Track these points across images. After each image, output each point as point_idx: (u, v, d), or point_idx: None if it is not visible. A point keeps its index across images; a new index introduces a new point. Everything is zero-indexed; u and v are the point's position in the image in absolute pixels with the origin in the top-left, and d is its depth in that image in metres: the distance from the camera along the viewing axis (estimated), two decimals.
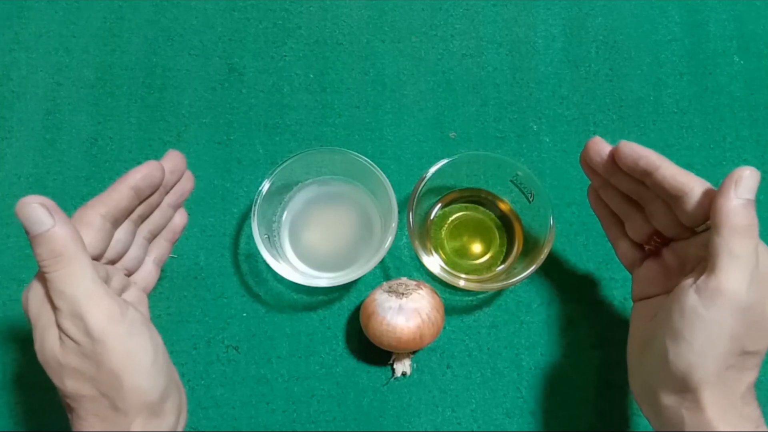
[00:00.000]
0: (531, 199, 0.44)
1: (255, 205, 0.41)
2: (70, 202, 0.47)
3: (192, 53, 0.51)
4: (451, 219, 0.47)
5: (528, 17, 0.53)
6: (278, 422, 0.43)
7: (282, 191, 0.46)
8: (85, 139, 0.48)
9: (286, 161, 0.43)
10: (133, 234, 0.35)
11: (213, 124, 0.49)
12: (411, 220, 0.42)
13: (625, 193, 0.36)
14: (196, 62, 0.50)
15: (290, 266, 0.43)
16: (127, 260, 0.36)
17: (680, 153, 0.50)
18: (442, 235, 0.47)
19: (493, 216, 0.47)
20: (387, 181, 0.42)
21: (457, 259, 0.46)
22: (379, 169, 0.42)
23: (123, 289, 0.35)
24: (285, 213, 0.46)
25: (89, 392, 0.30)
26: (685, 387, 0.30)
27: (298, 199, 0.47)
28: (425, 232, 0.47)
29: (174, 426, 0.33)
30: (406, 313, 0.40)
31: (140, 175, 0.33)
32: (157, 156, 0.36)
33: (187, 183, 0.38)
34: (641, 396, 0.35)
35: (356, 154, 0.43)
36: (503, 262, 0.46)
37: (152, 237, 0.38)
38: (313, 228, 0.46)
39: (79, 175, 0.47)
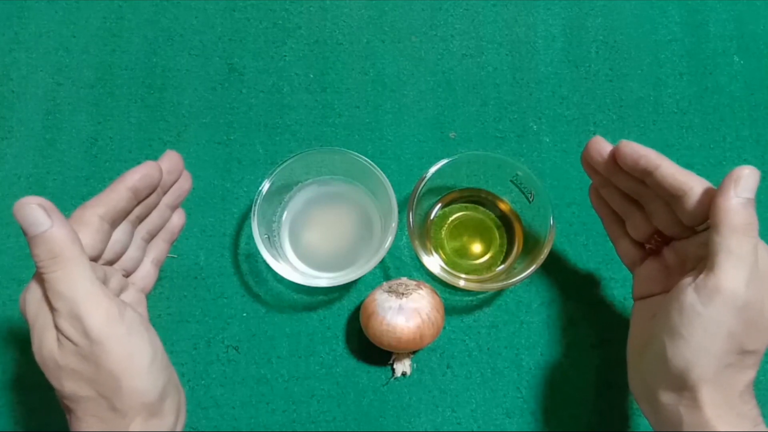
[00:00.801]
0: (531, 199, 0.44)
1: (255, 205, 0.41)
2: (70, 202, 0.47)
3: (192, 53, 0.51)
4: (451, 219, 0.47)
5: (528, 17, 0.53)
6: (278, 422, 0.43)
7: (282, 191, 0.46)
8: (85, 139, 0.48)
9: (286, 161, 0.43)
10: (131, 235, 0.35)
11: (213, 124, 0.49)
12: (411, 220, 0.42)
13: (625, 192, 0.36)
14: (196, 62, 0.50)
15: (290, 266, 0.43)
16: (126, 261, 0.36)
17: (680, 153, 0.50)
18: (442, 235, 0.47)
19: (493, 216, 0.47)
20: (387, 181, 0.42)
21: (457, 259, 0.46)
22: (379, 169, 0.42)
23: (121, 290, 0.35)
24: (285, 213, 0.46)
25: (87, 393, 0.30)
26: (683, 385, 0.30)
27: (298, 199, 0.47)
28: (425, 232, 0.47)
29: (173, 426, 0.33)
30: (406, 313, 0.40)
31: (138, 175, 0.33)
32: (157, 156, 0.36)
33: (184, 183, 0.38)
34: (640, 395, 0.35)
35: (356, 154, 0.43)
36: (503, 262, 0.46)
37: (150, 238, 0.38)
38: (313, 228, 0.46)
39: (79, 175, 0.47)
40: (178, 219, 0.39)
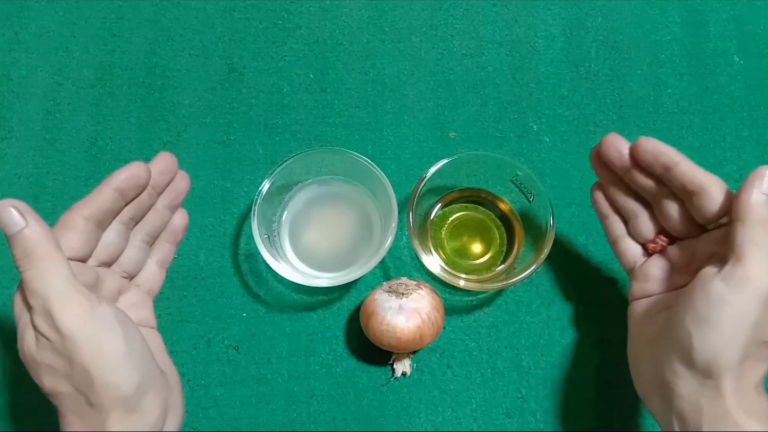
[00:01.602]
0: (531, 199, 0.44)
1: (255, 205, 0.41)
2: (70, 202, 0.46)
3: (192, 53, 0.51)
4: (451, 219, 0.47)
5: (528, 17, 0.53)
6: (278, 422, 0.43)
7: (282, 191, 0.46)
8: (85, 139, 0.48)
9: (286, 161, 0.43)
10: (125, 236, 0.35)
11: (213, 124, 0.49)
12: (411, 220, 0.42)
13: (636, 190, 0.37)
14: (196, 62, 0.50)
15: (290, 266, 0.43)
16: (125, 262, 0.36)
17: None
18: (442, 235, 0.47)
19: (493, 216, 0.47)
20: (387, 181, 0.42)
21: (457, 259, 0.46)
22: (379, 169, 0.42)
23: (120, 291, 0.35)
24: (285, 213, 0.46)
25: (65, 389, 0.30)
26: (708, 374, 0.31)
27: (298, 199, 0.47)
28: (425, 232, 0.47)
29: (156, 425, 0.32)
30: (406, 313, 0.40)
31: (123, 176, 0.33)
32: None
33: (181, 183, 0.38)
34: (650, 392, 0.35)
35: (356, 154, 0.43)
36: (503, 262, 0.46)
37: (151, 239, 0.38)
38: (313, 228, 0.46)
39: (79, 175, 0.47)
40: (180, 219, 0.39)
